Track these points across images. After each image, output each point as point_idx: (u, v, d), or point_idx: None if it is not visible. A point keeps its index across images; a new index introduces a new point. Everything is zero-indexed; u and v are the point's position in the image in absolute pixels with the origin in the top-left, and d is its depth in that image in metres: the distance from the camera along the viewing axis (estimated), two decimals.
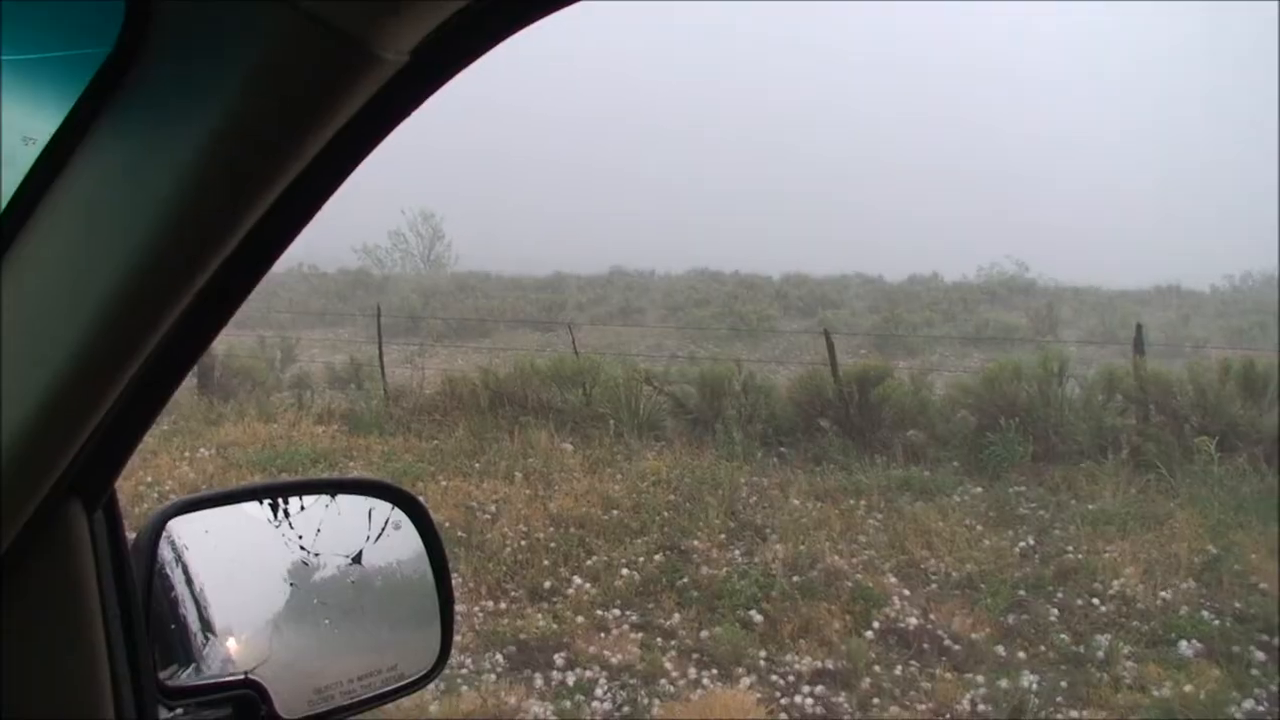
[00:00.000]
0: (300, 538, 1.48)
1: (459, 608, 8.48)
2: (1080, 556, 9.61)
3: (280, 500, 1.49)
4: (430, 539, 1.59)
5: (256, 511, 1.47)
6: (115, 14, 0.86)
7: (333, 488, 1.56)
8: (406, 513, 1.58)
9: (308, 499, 1.51)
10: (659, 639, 8.22)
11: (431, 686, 7.26)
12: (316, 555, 1.49)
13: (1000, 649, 8.03)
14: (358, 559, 1.53)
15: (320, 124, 0.90)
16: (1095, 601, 8.76)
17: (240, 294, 1.03)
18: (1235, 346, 21.47)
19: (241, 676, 1.39)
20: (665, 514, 10.78)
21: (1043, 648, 8.07)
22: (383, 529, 1.56)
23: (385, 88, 0.91)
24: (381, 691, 1.52)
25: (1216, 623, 8.30)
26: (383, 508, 1.57)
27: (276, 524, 1.47)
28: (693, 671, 7.72)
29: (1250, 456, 11.83)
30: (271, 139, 0.89)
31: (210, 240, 0.93)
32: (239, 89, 0.86)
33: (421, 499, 1.63)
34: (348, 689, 1.48)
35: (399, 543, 1.57)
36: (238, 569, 1.48)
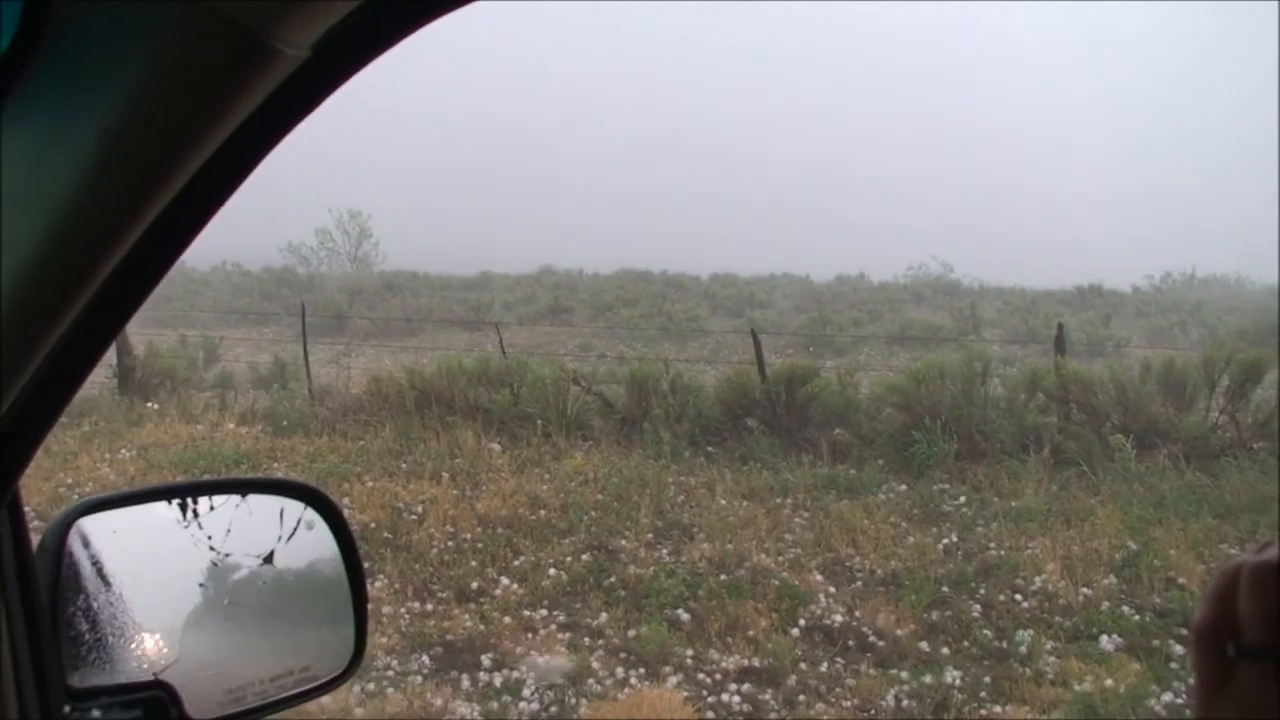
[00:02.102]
0: (210, 538, 1.46)
1: (385, 609, 8.43)
2: (1003, 553, 9.73)
3: (190, 500, 1.47)
4: (344, 538, 1.57)
5: (166, 511, 1.45)
6: (12, 7, 0.85)
7: (243, 487, 1.55)
8: (319, 511, 1.56)
9: (218, 499, 1.49)
10: (586, 639, 8.21)
11: (357, 688, 7.20)
12: (227, 556, 1.47)
13: (924, 645, 8.10)
14: (269, 559, 1.51)
15: (222, 117, 0.89)
16: (1018, 597, 8.87)
17: (145, 288, 1.02)
18: (1156, 346, 21.90)
19: (151, 678, 1.37)
20: (593, 514, 10.78)
21: (966, 643, 8.16)
22: (295, 528, 1.54)
23: (287, 82, 0.91)
24: (294, 692, 1.50)
25: (1136, 618, 8.43)
26: (295, 507, 1.55)
27: (186, 524, 1.45)
28: (620, 671, 7.73)
29: (1169, 454, 12.04)
30: (173, 132, 0.88)
31: (113, 234, 0.92)
32: (138, 82, 0.85)
33: (332, 496, 1.62)
34: (260, 690, 1.46)
35: (312, 542, 1.55)
36: (147, 569, 1.46)
